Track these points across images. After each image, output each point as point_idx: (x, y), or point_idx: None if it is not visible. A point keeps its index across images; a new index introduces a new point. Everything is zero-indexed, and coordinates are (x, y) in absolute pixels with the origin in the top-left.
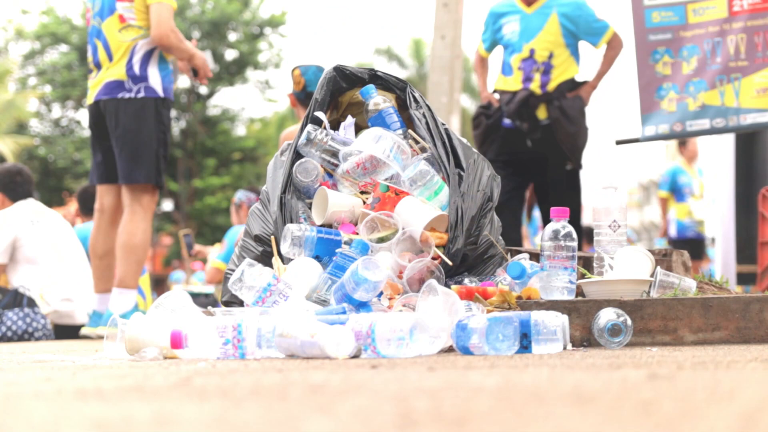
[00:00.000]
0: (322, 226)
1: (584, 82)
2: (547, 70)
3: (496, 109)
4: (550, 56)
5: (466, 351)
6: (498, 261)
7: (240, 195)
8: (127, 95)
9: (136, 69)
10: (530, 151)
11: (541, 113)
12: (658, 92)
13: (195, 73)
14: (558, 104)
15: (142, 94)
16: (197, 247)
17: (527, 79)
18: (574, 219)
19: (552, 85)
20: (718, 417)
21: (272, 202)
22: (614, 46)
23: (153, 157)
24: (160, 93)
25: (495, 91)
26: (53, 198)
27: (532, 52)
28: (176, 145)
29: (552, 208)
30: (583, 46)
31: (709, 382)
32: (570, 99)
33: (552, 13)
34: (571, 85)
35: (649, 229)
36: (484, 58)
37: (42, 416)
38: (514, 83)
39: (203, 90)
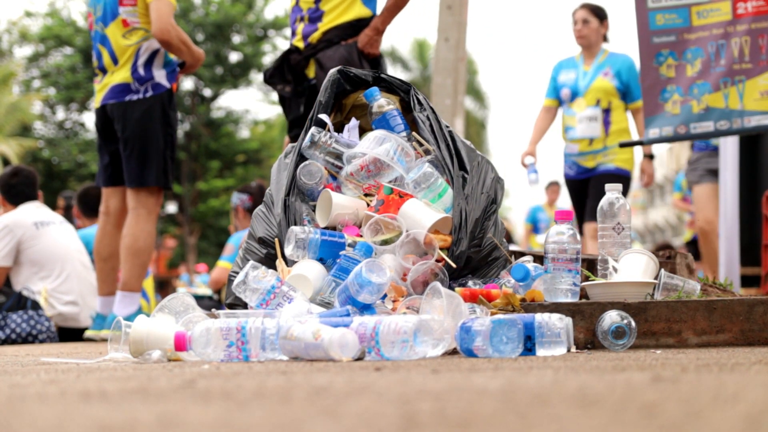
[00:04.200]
0: (326, 228)
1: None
2: (313, 18)
3: None
4: (317, 1)
5: (470, 353)
6: (502, 263)
7: (233, 199)
8: (134, 97)
9: (141, 71)
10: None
11: (311, 71)
12: (662, 94)
13: (182, 64)
14: (317, 57)
15: (150, 93)
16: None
17: (293, 33)
18: None
19: (316, 36)
20: (722, 419)
21: (276, 205)
22: None
23: (161, 159)
24: (167, 85)
25: None
26: (57, 200)
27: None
28: (180, 148)
29: (556, 211)
30: None
31: (713, 384)
32: (332, 48)
33: None
34: (350, 30)
35: (653, 231)
36: None
37: (46, 418)
38: None
39: (207, 92)
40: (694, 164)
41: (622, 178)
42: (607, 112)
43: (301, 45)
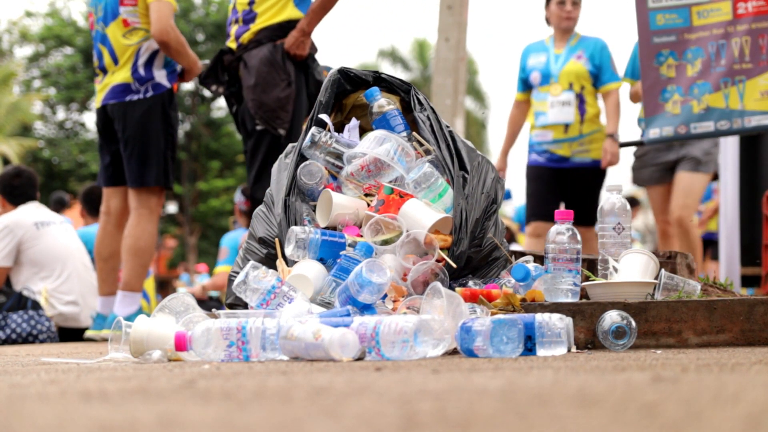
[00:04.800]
0: (326, 228)
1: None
2: (247, 20)
3: None
4: (251, 2)
5: (471, 353)
6: (502, 263)
7: (236, 195)
8: (135, 97)
9: (141, 71)
10: (245, 119)
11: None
12: (662, 94)
13: (182, 73)
14: (243, 57)
15: (150, 93)
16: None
17: (227, 35)
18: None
19: (247, 36)
20: (722, 419)
21: (276, 205)
22: None
23: (161, 159)
24: (168, 85)
25: None
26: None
27: (233, 1)
28: (180, 148)
29: (556, 211)
30: None
31: (713, 384)
32: (258, 48)
33: None
34: (280, 31)
35: (653, 231)
36: None
37: (46, 418)
38: None
39: (207, 92)
40: (641, 158)
41: (599, 171)
42: (581, 97)
43: (234, 46)
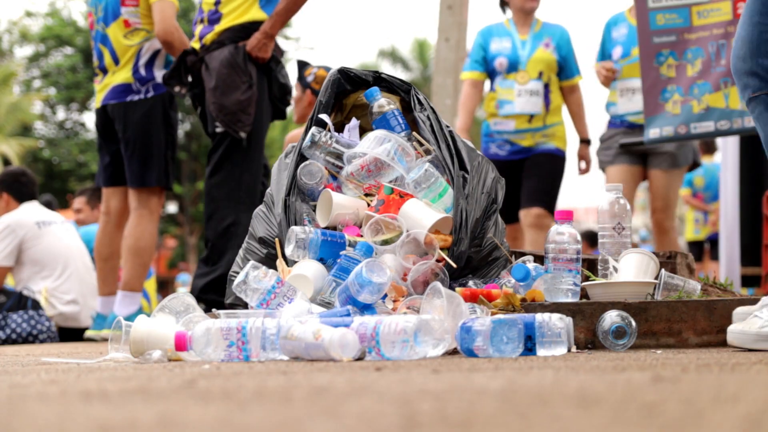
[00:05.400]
0: (326, 228)
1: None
2: (212, 20)
3: None
4: (217, 2)
5: (471, 353)
6: (502, 263)
7: None
8: (135, 97)
9: (142, 71)
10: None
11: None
12: (662, 94)
13: None
14: (204, 58)
15: (151, 93)
16: None
17: (192, 35)
18: (232, 198)
19: (210, 37)
20: (722, 419)
21: (276, 205)
22: None
23: (162, 159)
24: None
25: None
26: (57, 200)
27: (200, 1)
28: (180, 148)
29: (557, 211)
30: None
31: (713, 384)
32: (220, 49)
33: None
34: (243, 33)
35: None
36: None
37: (46, 418)
38: None
39: None
40: (607, 141)
41: (562, 159)
42: (547, 86)
43: (197, 46)
